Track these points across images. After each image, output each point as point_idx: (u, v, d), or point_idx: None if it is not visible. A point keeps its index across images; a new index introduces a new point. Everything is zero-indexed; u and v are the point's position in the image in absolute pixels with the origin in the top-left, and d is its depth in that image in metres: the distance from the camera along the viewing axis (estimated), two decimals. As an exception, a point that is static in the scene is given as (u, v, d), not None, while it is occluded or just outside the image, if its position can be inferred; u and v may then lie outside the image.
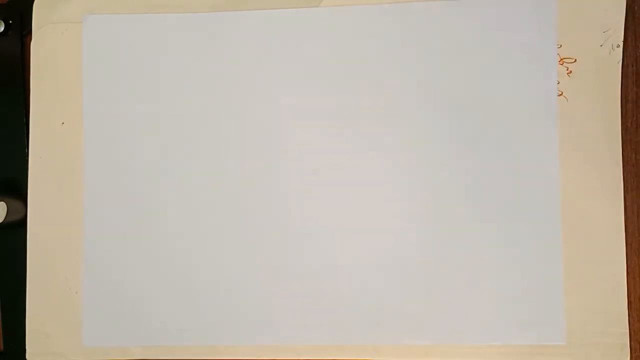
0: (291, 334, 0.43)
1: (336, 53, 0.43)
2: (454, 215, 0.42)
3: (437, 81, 0.42)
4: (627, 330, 0.41)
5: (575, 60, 0.42)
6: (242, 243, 0.43)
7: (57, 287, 0.44)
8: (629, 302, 0.41)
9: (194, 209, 0.44)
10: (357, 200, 0.43)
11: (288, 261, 0.43)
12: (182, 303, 0.43)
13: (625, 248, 0.41)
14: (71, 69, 0.45)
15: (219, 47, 0.44)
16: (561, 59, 0.42)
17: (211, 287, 0.43)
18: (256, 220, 0.43)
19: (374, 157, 0.43)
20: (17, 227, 0.45)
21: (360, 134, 0.43)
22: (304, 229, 0.43)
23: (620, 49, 0.41)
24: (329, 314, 0.42)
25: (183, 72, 0.44)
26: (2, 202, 0.45)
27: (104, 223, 0.44)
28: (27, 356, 0.44)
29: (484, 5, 0.42)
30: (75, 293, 0.44)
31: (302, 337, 0.43)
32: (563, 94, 0.42)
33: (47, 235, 0.44)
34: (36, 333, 0.44)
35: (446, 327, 0.42)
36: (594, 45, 0.41)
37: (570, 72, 0.42)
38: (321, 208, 0.43)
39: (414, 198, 0.42)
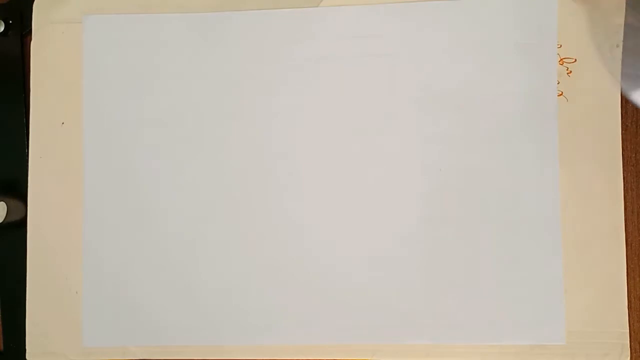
0: (291, 334, 0.43)
1: (336, 53, 0.43)
2: (453, 214, 0.42)
3: (436, 81, 0.42)
4: (627, 331, 0.41)
5: (575, 60, 0.42)
6: (242, 243, 0.43)
7: (57, 287, 0.44)
8: (629, 302, 0.41)
9: (194, 208, 0.43)
10: (356, 200, 0.43)
11: (288, 261, 0.43)
12: (182, 303, 0.43)
13: (625, 248, 0.41)
14: (71, 69, 0.45)
15: (219, 47, 0.44)
16: (561, 59, 0.42)
17: (211, 287, 0.43)
18: (256, 220, 0.43)
19: (374, 157, 0.43)
20: (17, 227, 0.45)
21: (360, 133, 0.43)
22: (304, 230, 0.43)
23: (620, 48, 0.41)
24: (329, 313, 0.42)
25: (183, 72, 0.44)
26: (2, 202, 0.45)
27: (104, 223, 0.44)
28: (27, 356, 0.44)
29: (484, 5, 0.42)
30: (75, 293, 0.44)
31: (302, 337, 0.43)
32: (563, 94, 0.42)
33: (47, 235, 0.44)
34: (36, 333, 0.44)
35: (446, 327, 0.42)
36: (594, 45, 0.41)
37: (570, 72, 0.42)
38: (320, 208, 0.43)
39: (414, 197, 0.42)
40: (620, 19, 0.41)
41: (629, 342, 0.41)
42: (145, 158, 0.44)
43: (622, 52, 0.41)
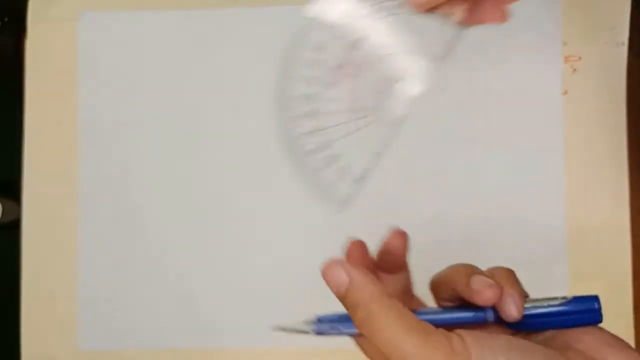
0: (296, 338, 0.42)
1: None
2: (456, 214, 0.41)
3: (441, 79, 0.42)
4: (633, 332, 0.41)
5: (580, 58, 0.41)
6: (238, 246, 0.43)
7: (51, 290, 0.44)
8: (634, 303, 0.41)
9: (189, 210, 0.43)
10: (356, 201, 0.42)
11: (287, 262, 0.42)
12: (178, 306, 0.43)
13: (630, 248, 0.41)
14: (67, 67, 0.44)
15: (216, 44, 0.43)
16: (566, 57, 0.41)
17: (206, 290, 0.43)
18: (255, 223, 0.43)
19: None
20: (11, 228, 0.44)
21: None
22: (304, 230, 0.42)
23: (625, 46, 0.41)
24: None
25: (180, 70, 0.44)
26: (-4, 203, 0.44)
27: (99, 224, 0.43)
28: (22, 359, 0.43)
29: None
30: (71, 295, 0.43)
31: (302, 341, 0.42)
32: (568, 92, 0.41)
33: (42, 236, 0.44)
34: (31, 336, 0.44)
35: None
36: (598, 43, 0.41)
37: (575, 70, 0.41)
38: (322, 210, 0.42)
39: (416, 196, 0.42)
40: (625, 16, 0.41)
41: (634, 343, 0.41)
42: (140, 157, 0.43)
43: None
